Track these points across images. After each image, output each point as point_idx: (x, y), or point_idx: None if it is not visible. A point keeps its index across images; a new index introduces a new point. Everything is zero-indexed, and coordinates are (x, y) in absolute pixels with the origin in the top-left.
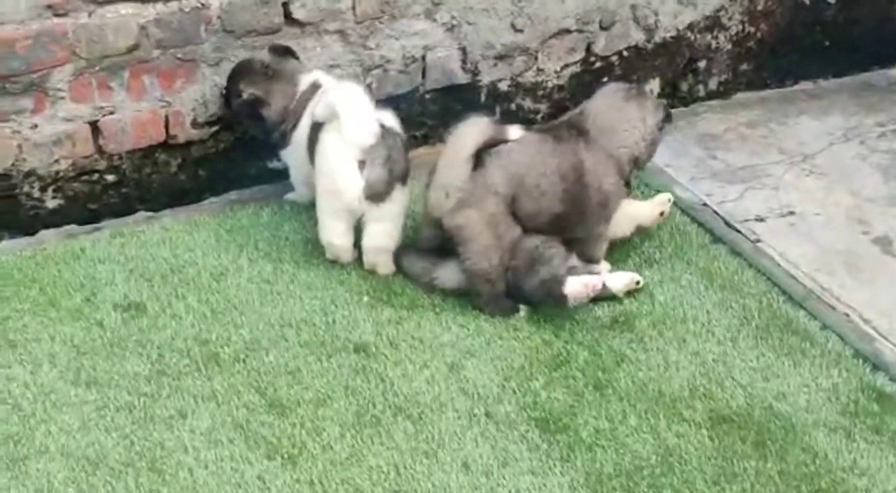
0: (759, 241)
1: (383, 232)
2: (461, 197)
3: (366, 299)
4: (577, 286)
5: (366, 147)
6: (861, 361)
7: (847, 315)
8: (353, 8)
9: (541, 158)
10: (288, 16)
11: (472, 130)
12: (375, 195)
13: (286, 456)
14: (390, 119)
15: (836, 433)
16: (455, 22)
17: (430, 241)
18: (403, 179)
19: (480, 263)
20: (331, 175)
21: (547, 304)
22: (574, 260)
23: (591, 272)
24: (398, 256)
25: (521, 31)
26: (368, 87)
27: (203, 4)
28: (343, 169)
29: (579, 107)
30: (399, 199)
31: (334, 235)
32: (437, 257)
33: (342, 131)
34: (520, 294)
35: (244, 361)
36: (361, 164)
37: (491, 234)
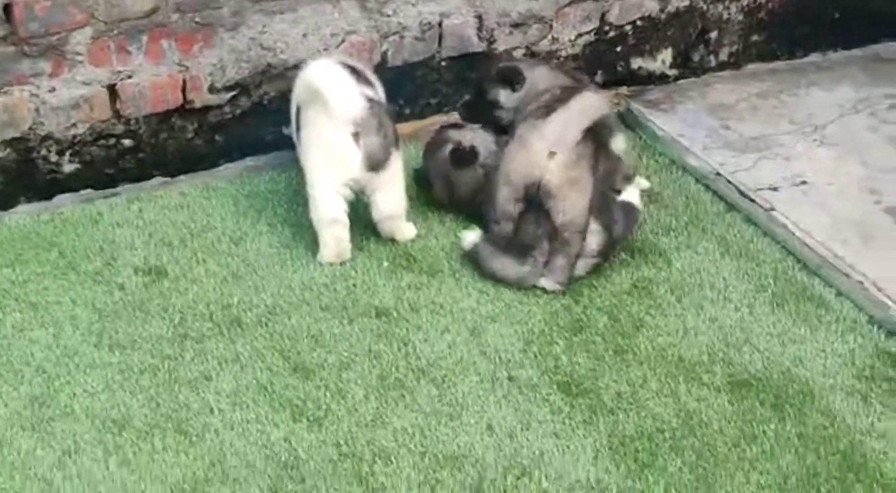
0: (772, 209)
1: (391, 199)
2: (570, 157)
3: (385, 264)
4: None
5: (357, 120)
6: (876, 327)
7: (861, 283)
8: None
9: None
10: None
11: (597, 104)
12: (376, 163)
13: (311, 418)
14: (368, 89)
15: (852, 396)
16: None
17: (506, 230)
18: (396, 143)
19: (579, 218)
20: (328, 152)
21: None
22: None
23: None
24: (480, 261)
25: None
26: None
27: None
28: (341, 144)
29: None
30: (397, 163)
31: (335, 210)
32: (527, 256)
33: (332, 109)
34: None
35: (266, 324)
36: (355, 136)
37: (590, 191)
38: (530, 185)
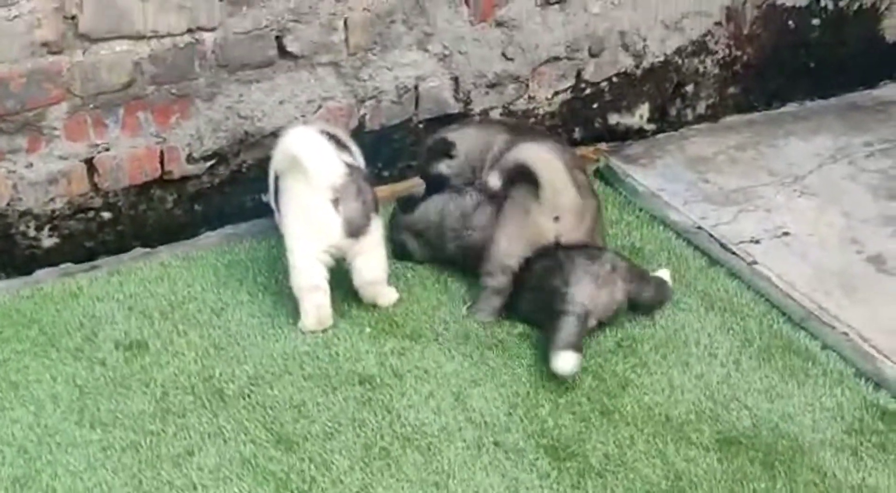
0: (755, 263)
1: (372, 264)
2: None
3: (368, 330)
4: None
5: (337, 186)
6: (863, 379)
7: (846, 334)
8: (346, 40)
9: None
10: (281, 49)
11: (554, 154)
12: (356, 229)
13: (296, 491)
14: (347, 155)
15: (842, 452)
16: (447, 52)
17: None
18: (376, 208)
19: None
20: (308, 219)
21: None
22: None
23: None
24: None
25: (511, 59)
26: (361, 118)
27: (197, 40)
28: (321, 211)
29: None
30: (377, 228)
31: (316, 277)
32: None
33: (311, 176)
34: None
35: (249, 396)
36: (335, 203)
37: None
38: (540, 246)
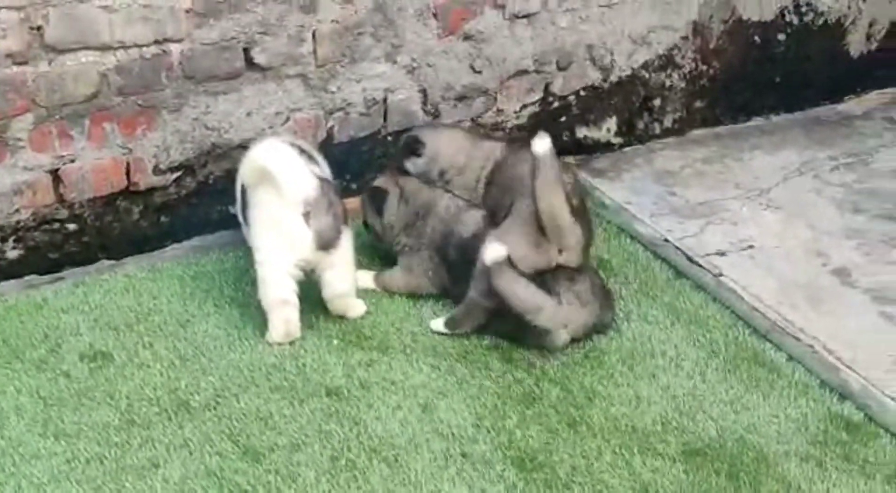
0: (721, 275)
1: (342, 277)
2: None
3: (335, 342)
4: None
5: (309, 200)
6: (828, 391)
7: (811, 347)
8: (314, 52)
9: None
10: (249, 61)
11: (557, 191)
12: (327, 243)
13: None
14: (317, 168)
15: (807, 462)
16: (415, 64)
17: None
18: (346, 220)
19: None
20: (279, 232)
21: None
22: None
23: None
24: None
25: (479, 72)
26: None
27: (164, 51)
28: (292, 224)
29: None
30: (347, 241)
31: (285, 291)
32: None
33: (282, 190)
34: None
35: (215, 408)
36: (306, 216)
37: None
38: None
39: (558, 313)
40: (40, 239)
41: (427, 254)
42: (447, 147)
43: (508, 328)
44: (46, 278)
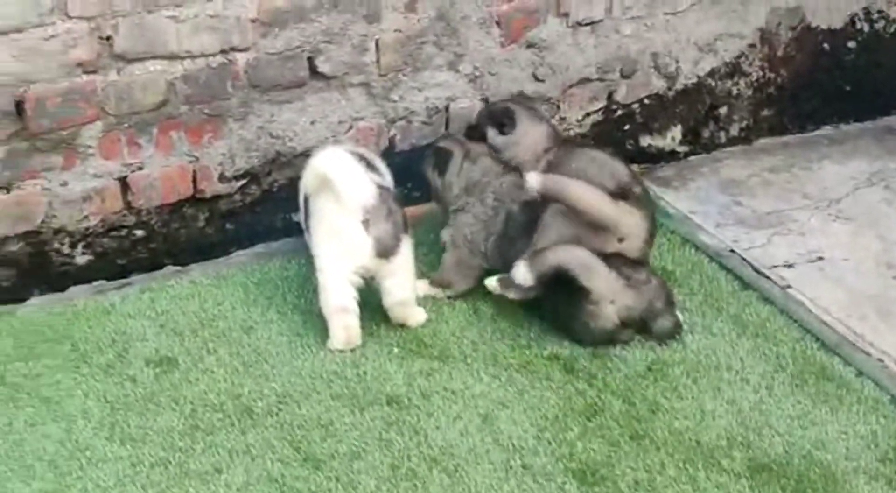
0: (788, 287)
1: (402, 284)
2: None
3: (396, 350)
4: None
5: (367, 207)
6: None
7: (881, 361)
8: (377, 61)
9: None
10: (313, 70)
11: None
12: (386, 250)
13: None
14: (376, 175)
15: (876, 480)
16: (478, 73)
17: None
18: (406, 228)
19: None
20: (338, 240)
21: None
22: None
23: None
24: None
25: (542, 80)
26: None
27: (230, 60)
28: (351, 231)
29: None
30: (407, 248)
31: (345, 298)
32: None
33: (341, 197)
34: None
35: (277, 414)
36: (365, 223)
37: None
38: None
39: (609, 282)
40: (108, 245)
41: (478, 215)
42: (531, 137)
43: (559, 306)
44: (114, 283)
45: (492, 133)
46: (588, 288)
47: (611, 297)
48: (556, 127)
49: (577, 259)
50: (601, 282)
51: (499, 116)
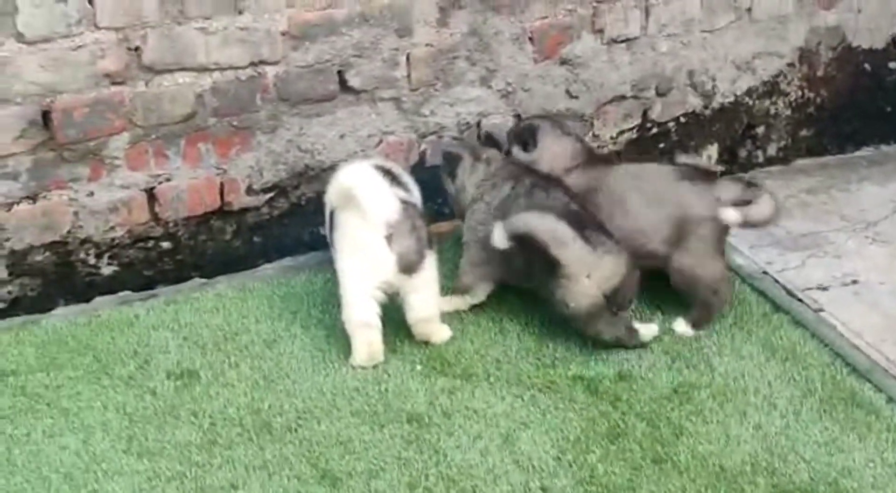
0: (821, 310)
1: (426, 301)
2: None
3: (419, 367)
4: None
5: (391, 222)
6: None
7: None
8: (409, 75)
9: None
10: (343, 83)
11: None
12: (409, 266)
13: None
14: (401, 190)
15: None
16: (510, 88)
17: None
18: (430, 244)
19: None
20: (362, 255)
21: None
22: None
23: None
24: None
25: (576, 97)
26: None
27: (259, 73)
28: (374, 246)
29: None
30: (431, 264)
31: (367, 313)
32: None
33: (365, 212)
34: None
35: (296, 430)
36: (388, 239)
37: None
38: None
39: (583, 255)
40: (135, 256)
41: (490, 202)
42: (552, 153)
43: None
44: (140, 294)
45: (516, 150)
46: (557, 259)
47: (586, 270)
48: (585, 143)
49: (547, 227)
50: (571, 253)
51: (522, 134)
